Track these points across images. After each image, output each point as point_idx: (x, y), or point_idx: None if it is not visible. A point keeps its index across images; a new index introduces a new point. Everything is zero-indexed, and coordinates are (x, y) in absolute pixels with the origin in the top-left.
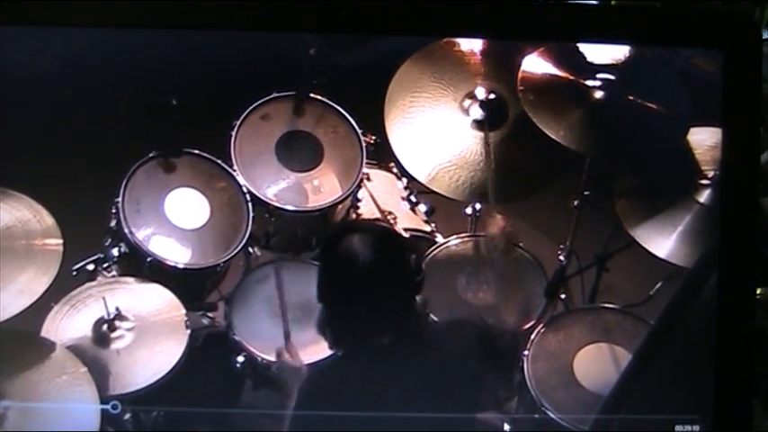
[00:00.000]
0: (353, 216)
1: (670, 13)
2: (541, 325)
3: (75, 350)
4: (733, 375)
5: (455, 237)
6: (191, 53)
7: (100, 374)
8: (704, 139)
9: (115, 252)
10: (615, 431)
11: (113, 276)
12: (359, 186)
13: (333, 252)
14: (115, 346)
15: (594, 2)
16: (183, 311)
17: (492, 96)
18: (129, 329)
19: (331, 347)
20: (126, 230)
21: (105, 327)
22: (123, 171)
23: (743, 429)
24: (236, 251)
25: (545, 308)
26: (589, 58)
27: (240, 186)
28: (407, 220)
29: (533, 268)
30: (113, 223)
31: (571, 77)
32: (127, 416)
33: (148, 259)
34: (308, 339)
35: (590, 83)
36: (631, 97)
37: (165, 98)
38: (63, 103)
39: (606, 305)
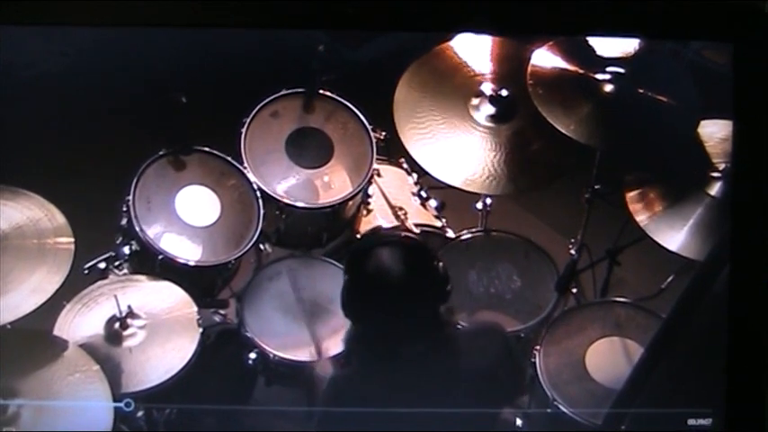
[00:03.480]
0: (366, 213)
1: (679, 5)
2: (553, 319)
3: (88, 348)
4: (745, 369)
5: (466, 231)
6: (200, 51)
7: (112, 372)
8: (715, 132)
9: (126, 250)
10: (627, 425)
11: (125, 274)
12: (369, 182)
13: (362, 269)
14: (127, 343)
15: None
16: (195, 309)
17: (502, 91)
18: (141, 327)
19: (356, 359)
20: (137, 228)
21: (117, 325)
22: (134, 169)
23: (755, 422)
24: (248, 248)
25: (556, 302)
26: (599, 52)
27: (251, 183)
28: (418, 215)
29: (544, 263)
30: (124, 221)
31: (581, 71)
32: (140, 413)
33: (159, 257)
34: (321, 335)
35: (600, 76)
36: (641, 90)
37: (175, 96)
38: (73, 102)
39: (618, 299)
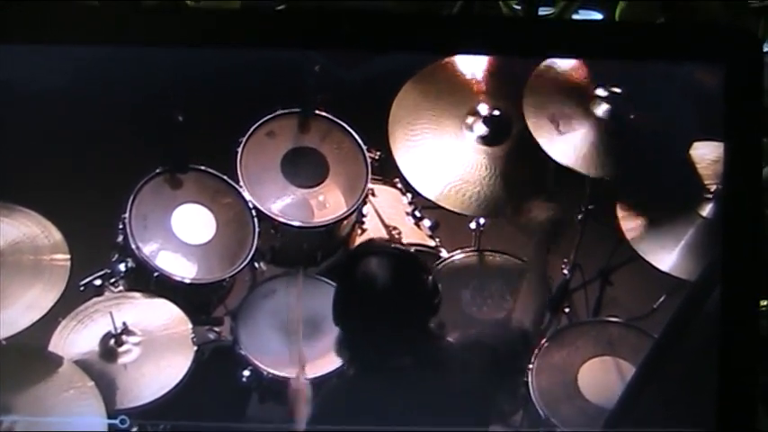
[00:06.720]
0: (360, 233)
1: (672, 27)
2: (545, 338)
3: (83, 365)
4: (738, 387)
5: (459, 251)
6: (197, 71)
7: (107, 389)
8: (706, 154)
9: (122, 267)
10: None
11: (120, 291)
12: (364, 202)
13: (353, 276)
14: (122, 360)
15: (598, 18)
16: (190, 326)
17: (495, 112)
18: (136, 344)
19: (345, 365)
20: (133, 246)
21: (112, 341)
22: (130, 187)
23: None
24: (242, 266)
25: (549, 322)
26: (592, 74)
27: (246, 202)
28: (412, 235)
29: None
30: (120, 239)
31: (574, 93)
32: (134, 430)
33: (155, 274)
34: (315, 353)
35: (593, 98)
36: (634, 112)
37: (172, 115)
38: (71, 119)
39: (610, 318)
